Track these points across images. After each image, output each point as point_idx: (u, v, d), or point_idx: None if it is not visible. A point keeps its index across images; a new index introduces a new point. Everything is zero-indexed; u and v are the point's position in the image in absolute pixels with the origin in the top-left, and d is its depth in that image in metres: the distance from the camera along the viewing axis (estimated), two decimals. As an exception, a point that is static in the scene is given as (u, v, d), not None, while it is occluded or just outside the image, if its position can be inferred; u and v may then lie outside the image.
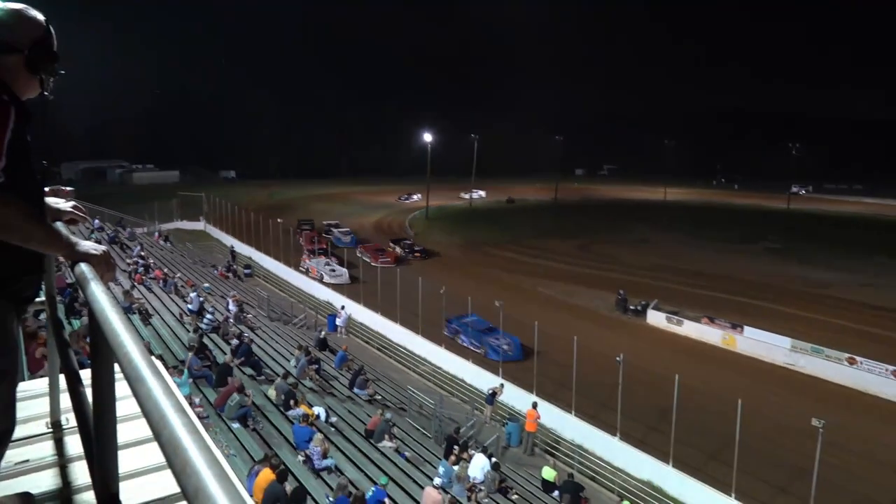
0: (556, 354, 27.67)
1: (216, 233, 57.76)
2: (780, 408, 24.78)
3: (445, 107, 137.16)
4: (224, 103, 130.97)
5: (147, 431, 1.19)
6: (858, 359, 29.59)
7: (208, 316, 26.41)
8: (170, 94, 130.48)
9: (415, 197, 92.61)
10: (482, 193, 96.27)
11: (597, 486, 20.37)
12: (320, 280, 41.79)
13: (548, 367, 26.58)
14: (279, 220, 48.31)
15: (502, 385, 24.79)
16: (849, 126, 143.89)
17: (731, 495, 17.94)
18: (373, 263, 46.06)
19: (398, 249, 53.72)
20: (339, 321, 33.44)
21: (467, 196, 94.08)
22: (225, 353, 21.77)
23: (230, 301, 30.36)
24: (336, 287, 40.00)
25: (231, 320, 27.59)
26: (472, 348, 31.14)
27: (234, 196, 68.97)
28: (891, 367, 28.42)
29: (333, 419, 19.35)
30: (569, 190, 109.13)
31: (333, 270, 42.87)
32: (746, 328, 33.96)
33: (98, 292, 1.81)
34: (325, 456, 15.58)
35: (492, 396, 24.19)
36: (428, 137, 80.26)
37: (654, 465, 20.12)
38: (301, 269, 44.29)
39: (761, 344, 32.71)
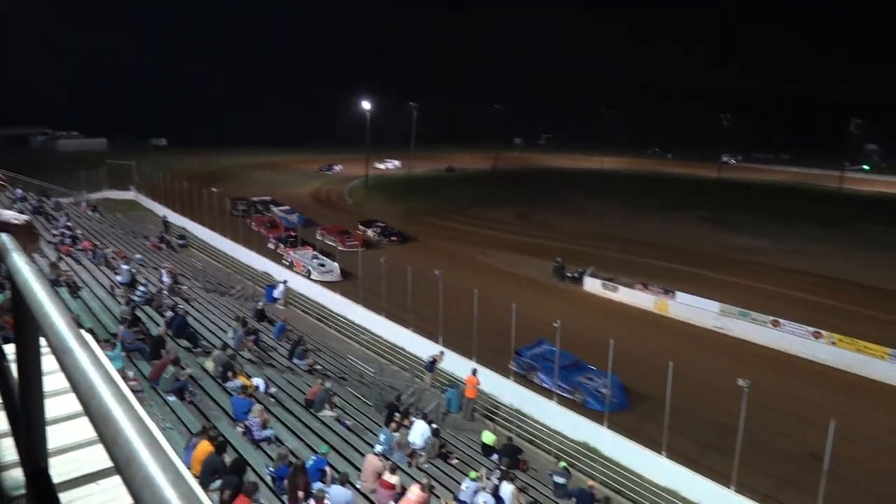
0: (494, 322, 28.03)
1: (148, 203, 55.96)
2: (709, 369, 25.77)
3: (387, 75, 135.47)
4: (154, 68, 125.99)
5: (78, 406, 1.16)
6: (782, 321, 30.95)
7: (141, 288, 25.71)
8: (97, 58, 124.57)
9: (336, 168, 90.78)
10: (397, 164, 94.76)
11: (535, 448, 20.91)
12: (307, 276, 36.83)
13: (486, 334, 26.92)
14: (214, 190, 47.12)
15: (442, 353, 25.05)
16: (776, 98, 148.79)
17: (661, 453, 18.67)
18: (339, 247, 42.21)
19: (370, 233, 48.70)
20: (276, 292, 33.04)
21: (382, 166, 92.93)
22: (159, 326, 21.28)
23: (164, 272, 29.60)
24: (327, 284, 35.07)
25: (165, 292, 26.94)
26: (560, 393, 23.04)
27: (166, 164, 66.86)
28: (811, 329, 29.86)
29: (273, 390, 19.23)
30: (508, 159, 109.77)
31: (323, 265, 37.59)
32: (678, 293, 35.04)
33: (20, 263, 1.75)
34: (264, 427, 15.50)
35: (431, 364, 24.42)
36: (366, 105, 79.22)
37: (590, 428, 20.71)
38: (284, 262, 38.99)
39: (692, 308, 33.84)
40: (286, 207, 54.04)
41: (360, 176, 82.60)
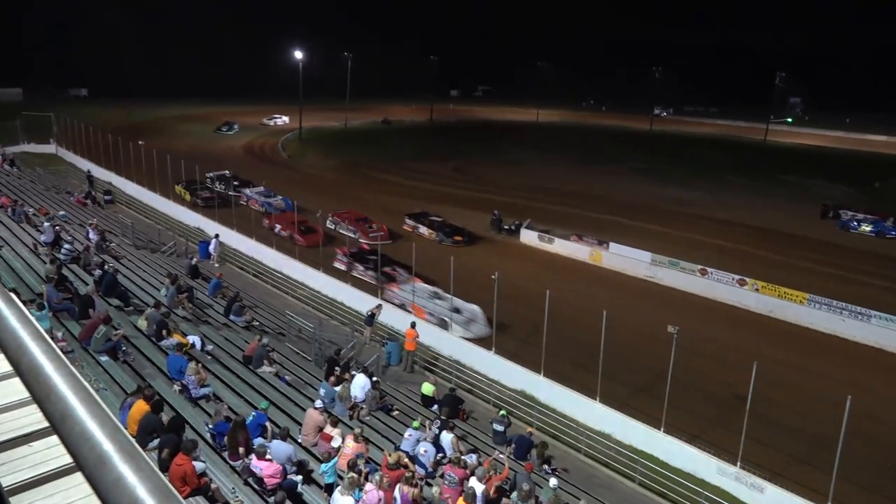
0: (434, 274, 28.23)
1: (70, 156, 53.49)
2: (641, 317, 26.59)
3: (322, 24, 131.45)
4: (73, 13, 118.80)
5: (6, 366, 1.11)
6: (709, 270, 32.17)
7: (66, 246, 24.76)
8: (8, 2, 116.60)
9: (282, 119, 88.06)
10: (284, 119, 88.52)
11: (475, 398, 21.32)
12: (441, 326, 24.91)
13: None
14: (140, 143, 45.35)
15: (380, 306, 25.08)
16: (707, 52, 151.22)
17: (595, 399, 19.33)
18: (361, 240, 35.32)
19: (423, 230, 38.45)
20: (210, 248, 32.28)
21: (270, 122, 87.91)
22: (87, 285, 20.60)
23: (90, 229, 28.49)
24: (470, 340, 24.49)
25: (92, 250, 25.98)
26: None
27: (88, 116, 63.68)
28: (737, 277, 31.13)
29: (210, 347, 18.97)
30: (444, 111, 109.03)
31: (458, 311, 25.34)
32: (611, 244, 35.88)
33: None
34: (201, 384, 15.32)
35: (371, 318, 24.45)
36: (299, 55, 77.01)
37: (527, 376, 21.23)
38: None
39: (625, 259, 34.78)
40: (261, 188, 44.24)
41: (313, 126, 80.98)
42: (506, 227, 40.30)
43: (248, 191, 43.42)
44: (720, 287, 31.19)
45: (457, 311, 25.24)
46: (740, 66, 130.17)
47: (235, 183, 43.79)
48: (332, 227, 38.22)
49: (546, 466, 16.56)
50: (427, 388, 19.97)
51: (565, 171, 61.91)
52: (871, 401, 19.52)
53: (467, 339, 24.08)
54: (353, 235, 36.09)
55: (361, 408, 17.35)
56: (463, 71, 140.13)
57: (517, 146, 76.41)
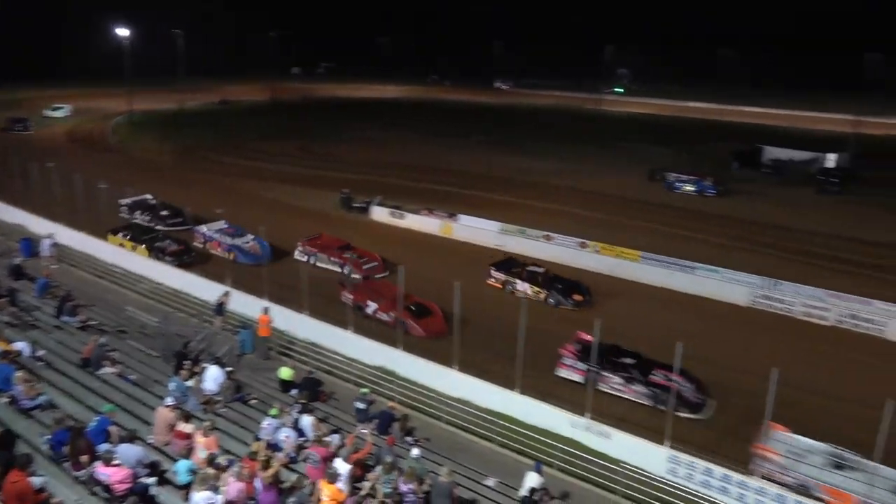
0: (282, 256, 27.61)
1: None
2: (491, 286, 27.56)
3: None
4: None
5: None
6: (554, 235, 33.87)
7: None
8: None
9: (64, 109, 77.20)
10: (67, 109, 77.61)
11: (335, 378, 21.13)
12: None
13: (274, 270, 26.53)
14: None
15: (227, 293, 24.11)
16: (546, 23, 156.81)
17: (453, 367, 19.79)
18: (355, 275, 28.84)
19: (530, 289, 27.99)
20: (44, 248, 29.01)
21: (52, 114, 75.94)
22: None
23: None
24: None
25: None
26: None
27: None
28: (578, 240, 33.06)
29: (41, 352, 17.47)
30: (286, 90, 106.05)
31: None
32: (461, 216, 36.75)
33: None
34: (34, 394, 14.11)
35: (220, 307, 23.49)
36: (124, 32, 71.71)
37: (385, 352, 21.32)
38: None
39: (475, 230, 35.75)
40: (221, 224, 33.02)
41: (146, 109, 75.61)
42: (355, 205, 40.06)
43: (204, 229, 32.79)
44: (564, 251, 32.89)
45: None
46: (576, 39, 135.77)
47: (164, 212, 35.68)
48: (305, 259, 30.35)
49: (409, 438, 16.81)
50: (285, 373, 19.57)
51: (413, 146, 62.38)
52: (701, 344, 21.32)
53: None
54: (340, 270, 29.56)
55: (217, 401, 16.72)
56: (305, 47, 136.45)
57: (365, 123, 75.93)
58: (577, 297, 27.39)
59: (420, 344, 21.49)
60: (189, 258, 29.82)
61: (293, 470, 13.60)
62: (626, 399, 20.04)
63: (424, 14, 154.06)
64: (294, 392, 18.83)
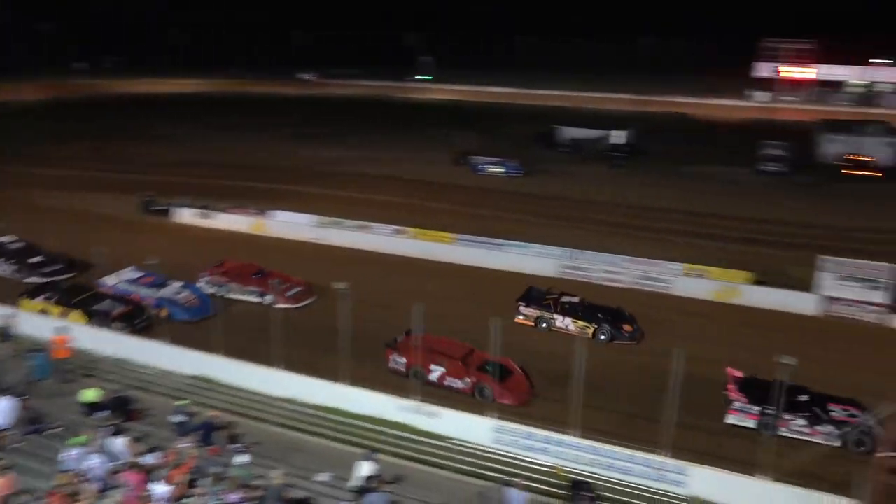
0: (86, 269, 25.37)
1: None
2: (313, 278, 27.03)
3: None
4: None
5: None
6: (370, 224, 34.17)
7: None
8: None
9: None
10: None
11: (149, 394, 19.75)
12: None
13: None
14: None
15: (13, 316, 21.70)
16: (345, 10, 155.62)
17: (276, 367, 19.28)
18: (282, 304, 24.52)
19: (573, 324, 24.30)
20: None
21: None
22: None
23: None
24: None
25: None
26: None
27: None
28: (394, 228, 33.66)
29: None
30: (70, 87, 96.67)
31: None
32: (273, 212, 35.90)
33: None
34: None
35: (4, 331, 21.08)
36: None
37: (200, 359, 20.36)
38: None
39: (288, 224, 35.11)
40: (134, 273, 26.24)
41: None
42: (155, 208, 37.71)
43: (111, 280, 25.75)
44: (381, 239, 33.25)
45: None
46: (376, 27, 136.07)
47: (35, 259, 28.15)
48: (213, 290, 25.84)
49: (235, 445, 16.14)
50: (89, 395, 17.94)
51: (216, 143, 59.35)
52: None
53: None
54: (258, 300, 25.85)
55: (7, 436, 15.02)
56: (88, 41, 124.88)
57: (163, 120, 71.26)
58: (627, 328, 24.11)
59: (237, 345, 20.56)
60: (141, 321, 23.52)
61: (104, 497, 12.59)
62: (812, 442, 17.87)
63: (216, 2, 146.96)
64: (101, 414, 17.38)
